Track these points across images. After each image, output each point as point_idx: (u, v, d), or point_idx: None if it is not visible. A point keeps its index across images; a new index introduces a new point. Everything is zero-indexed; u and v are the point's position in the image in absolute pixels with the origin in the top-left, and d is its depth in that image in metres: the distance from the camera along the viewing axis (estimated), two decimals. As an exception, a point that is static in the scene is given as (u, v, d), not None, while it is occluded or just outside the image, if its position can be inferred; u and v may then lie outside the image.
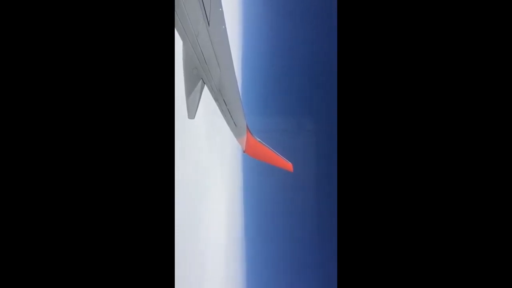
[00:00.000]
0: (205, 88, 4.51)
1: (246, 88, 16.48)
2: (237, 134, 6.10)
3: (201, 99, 4.62)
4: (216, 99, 4.69)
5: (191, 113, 4.78)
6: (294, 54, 16.57)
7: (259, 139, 7.02)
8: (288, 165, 7.58)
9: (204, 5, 3.07)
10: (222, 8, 3.49)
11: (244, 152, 7.19)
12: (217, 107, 4.97)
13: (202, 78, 4.24)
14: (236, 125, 5.63)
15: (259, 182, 17.84)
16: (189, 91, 4.45)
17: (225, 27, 3.75)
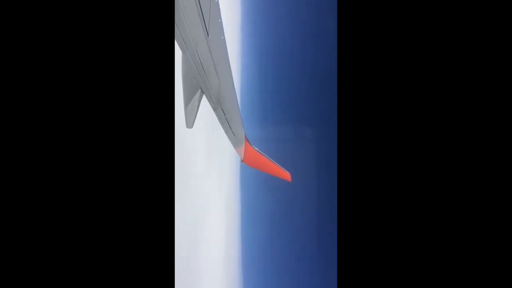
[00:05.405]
0: (204, 98, 4.53)
1: (245, 97, 16.55)
2: (235, 143, 6.11)
3: (199, 109, 4.64)
4: (214, 109, 4.72)
5: (189, 123, 4.79)
6: (294, 63, 16.69)
7: (257, 149, 7.02)
8: (286, 175, 7.56)
9: (204, 16, 3.10)
10: (221, 19, 3.54)
11: (242, 161, 7.18)
12: (215, 117, 4.99)
13: (200, 88, 4.26)
14: (234, 135, 5.65)
15: (257, 191, 17.80)
16: (187, 100, 4.47)
17: (224, 38, 3.79)
